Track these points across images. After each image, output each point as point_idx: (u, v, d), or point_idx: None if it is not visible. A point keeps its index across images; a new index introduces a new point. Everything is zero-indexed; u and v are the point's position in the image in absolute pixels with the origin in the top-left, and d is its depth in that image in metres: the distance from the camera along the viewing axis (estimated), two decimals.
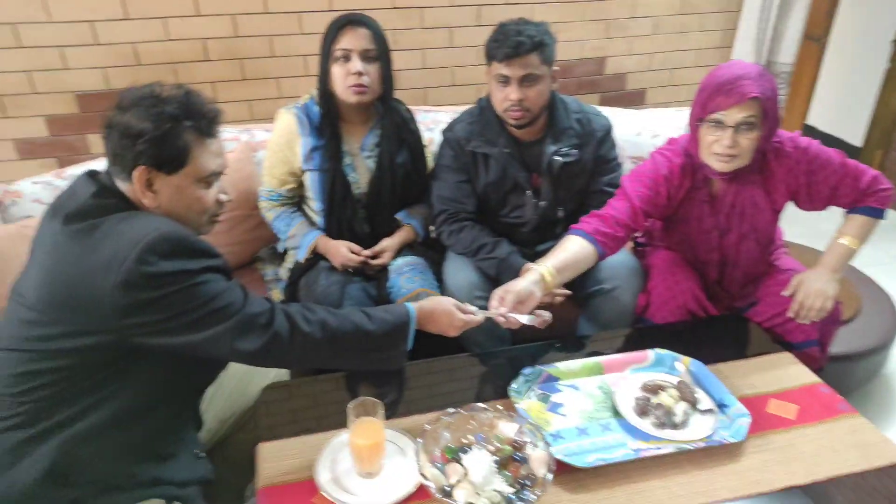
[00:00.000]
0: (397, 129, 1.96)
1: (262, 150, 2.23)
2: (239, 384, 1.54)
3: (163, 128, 1.09)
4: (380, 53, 1.83)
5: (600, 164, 1.96)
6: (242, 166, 2.18)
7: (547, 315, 1.52)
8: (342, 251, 1.90)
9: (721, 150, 1.55)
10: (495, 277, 1.90)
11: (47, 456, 1.08)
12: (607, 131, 1.96)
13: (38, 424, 1.09)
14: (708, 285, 1.86)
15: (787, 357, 1.59)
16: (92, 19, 2.21)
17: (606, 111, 2.51)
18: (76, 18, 2.19)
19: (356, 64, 1.79)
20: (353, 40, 1.79)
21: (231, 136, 2.27)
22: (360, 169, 1.95)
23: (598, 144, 1.94)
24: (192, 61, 2.37)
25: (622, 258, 1.93)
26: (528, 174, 1.93)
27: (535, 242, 2.05)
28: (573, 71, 2.86)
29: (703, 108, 1.55)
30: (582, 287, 1.96)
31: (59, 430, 1.09)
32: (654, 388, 1.42)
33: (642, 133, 2.51)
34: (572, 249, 1.64)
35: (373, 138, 1.96)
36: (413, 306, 1.39)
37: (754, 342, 1.71)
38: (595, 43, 2.83)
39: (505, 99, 1.77)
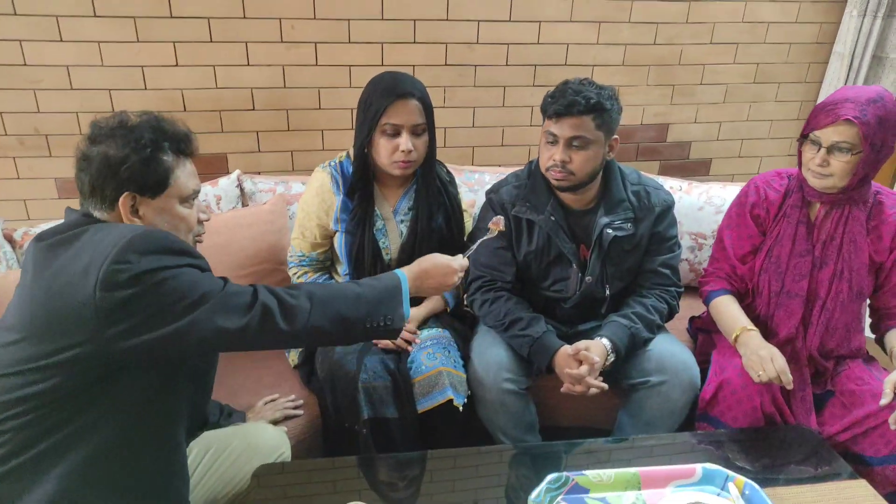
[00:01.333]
0: (435, 192, 1.85)
1: (296, 203, 2.16)
2: (235, 463, 1.41)
3: (143, 153, 1.11)
4: (428, 124, 1.75)
5: (657, 241, 1.80)
6: (275, 219, 2.11)
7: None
8: None
9: (814, 167, 1.60)
10: (527, 358, 1.73)
11: (46, 492, 1.05)
12: (668, 207, 1.79)
13: (27, 452, 1.05)
14: (787, 348, 1.71)
15: (861, 486, 1.35)
16: (143, 65, 2.21)
17: (667, 181, 2.37)
18: (128, 63, 2.20)
19: (406, 142, 1.69)
20: (403, 115, 1.68)
21: (267, 188, 2.22)
22: (392, 234, 1.84)
23: (656, 220, 1.77)
24: (237, 109, 2.34)
25: (675, 348, 1.75)
26: (576, 246, 1.77)
27: (576, 321, 1.88)
28: (633, 136, 2.70)
29: (807, 125, 1.63)
30: (625, 376, 1.76)
31: (50, 461, 1.06)
32: None
33: (705, 208, 2.33)
34: (733, 305, 1.78)
35: (407, 202, 1.86)
36: (403, 270, 1.33)
37: (825, 459, 1.46)
38: (658, 108, 2.67)
39: (549, 158, 1.65)
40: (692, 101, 2.68)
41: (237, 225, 2.02)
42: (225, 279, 1.15)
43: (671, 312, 1.83)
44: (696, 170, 2.83)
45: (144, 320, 1.03)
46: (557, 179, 1.67)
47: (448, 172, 1.97)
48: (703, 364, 1.79)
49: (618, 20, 2.47)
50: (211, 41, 2.22)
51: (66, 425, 1.06)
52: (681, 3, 2.48)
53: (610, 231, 1.72)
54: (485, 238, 1.55)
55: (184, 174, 1.19)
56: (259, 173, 2.40)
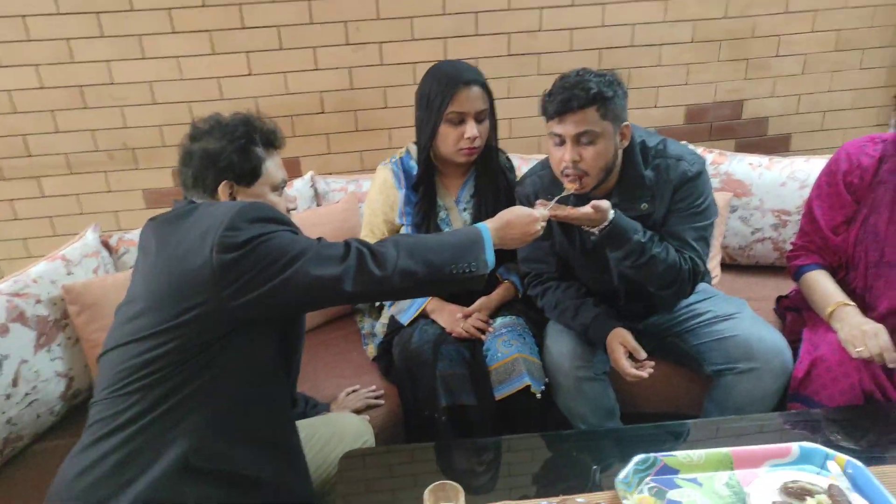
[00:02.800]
0: (496, 178, 1.85)
1: None
2: (322, 450, 1.46)
3: (238, 144, 1.24)
4: (490, 109, 1.76)
5: (675, 212, 1.63)
6: (348, 216, 2.17)
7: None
8: (455, 317, 1.80)
9: None
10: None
11: (181, 446, 1.12)
12: (686, 179, 1.61)
13: (157, 409, 1.13)
14: (889, 321, 1.59)
15: None
16: (219, 76, 2.32)
17: (746, 158, 2.27)
18: (205, 76, 2.31)
19: (472, 129, 1.71)
20: (468, 102, 1.70)
21: (339, 187, 2.28)
22: (456, 223, 1.86)
23: (675, 194, 1.62)
24: (308, 113, 2.42)
25: (763, 332, 1.67)
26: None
27: (644, 314, 1.81)
28: (706, 115, 2.62)
29: None
30: (709, 361, 1.70)
31: (179, 416, 1.13)
32: (799, 492, 1.15)
33: (788, 183, 2.22)
34: (827, 280, 1.70)
35: (468, 190, 1.87)
36: (486, 222, 1.35)
37: None
38: (731, 85, 2.57)
39: (560, 161, 1.53)
40: (768, 74, 2.57)
41: (313, 224, 2.08)
42: (319, 238, 1.23)
43: (678, 272, 1.60)
44: (775, 147, 2.71)
45: (254, 276, 1.12)
46: (576, 187, 1.54)
47: (507, 159, 1.98)
48: (794, 344, 1.70)
49: None
50: (281, 49, 2.31)
51: (189, 383, 1.14)
52: None
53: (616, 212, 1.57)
54: (561, 195, 1.50)
55: (273, 165, 1.31)
56: (330, 174, 2.47)
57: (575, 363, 1.67)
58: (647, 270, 1.57)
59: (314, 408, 1.65)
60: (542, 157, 2.36)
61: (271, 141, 1.31)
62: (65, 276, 1.72)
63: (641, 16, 2.41)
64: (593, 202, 1.48)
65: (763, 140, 2.69)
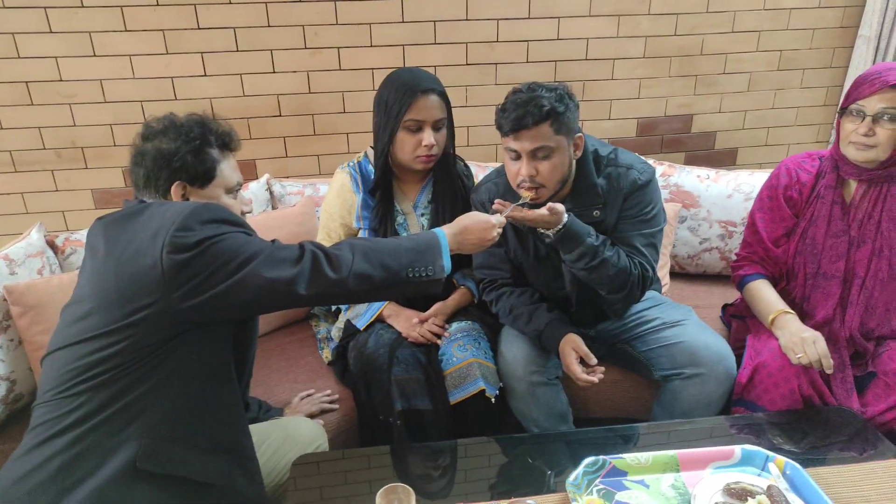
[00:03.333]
0: (453, 185, 1.87)
1: None
2: (275, 454, 1.45)
3: (193, 145, 1.23)
4: (448, 118, 1.78)
5: (624, 219, 1.68)
6: (305, 220, 2.15)
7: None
8: (411, 321, 1.82)
9: (857, 138, 1.59)
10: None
11: (131, 447, 1.10)
12: (636, 187, 1.66)
13: (105, 411, 1.11)
14: (824, 330, 1.67)
15: None
16: (173, 76, 2.28)
17: (694, 170, 2.36)
18: (158, 75, 2.26)
19: (429, 137, 1.72)
20: (425, 111, 1.71)
21: (295, 190, 2.26)
22: (413, 228, 1.87)
23: (624, 202, 1.66)
24: (264, 116, 2.39)
25: (708, 339, 1.72)
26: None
27: (594, 320, 1.85)
28: (657, 128, 2.70)
29: (847, 98, 1.62)
30: (657, 367, 1.75)
31: (128, 418, 1.12)
32: (741, 493, 1.20)
33: (734, 196, 2.31)
34: (769, 289, 1.76)
35: (426, 196, 1.89)
36: (443, 227, 1.37)
37: (870, 441, 1.44)
38: (681, 100, 2.66)
39: (517, 174, 1.56)
40: (716, 90, 2.67)
41: (268, 227, 2.06)
42: (274, 240, 1.22)
43: (628, 276, 1.64)
44: (723, 160, 2.81)
45: (206, 278, 1.10)
46: (534, 198, 1.57)
47: (465, 166, 2.00)
48: (738, 350, 1.77)
49: (637, 12, 2.47)
50: (237, 50, 2.28)
51: (138, 385, 1.12)
52: None
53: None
54: (518, 203, 1.53)
55: (228, 167, 1.29)
56: (287, 177, 2.45)
57: (529, 368, 1.69)
58: (598, 273, 1.60)
59: (267, 412, 1.63)
60: (500, 165, 2.40)
61: (227, 143, 1.30)
62: (7, 276, 1.66)
63: (595, 31, 2.47)
64: (549, 204, 1.51)
65: (711, 153, 2.79)
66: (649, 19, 2.49)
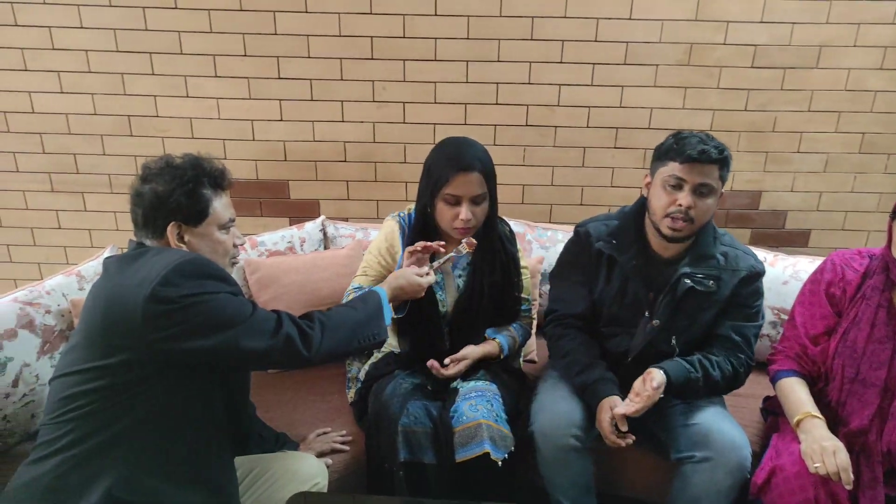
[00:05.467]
0: (494, 250, 1.90)
1: None
2: (273, 486, 1.51)
3: (186, 187, 1.29)
4: (490, 190, 1.79)
5: (735, 306, 1.72)
6: (350, 262, 2.26)
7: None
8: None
9: None
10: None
11: (111, 477, 1.18)
12: (754, 274, 1.72)
13: (89, 440, 1.19)
14: (858, 440, 1.58)
15: None
16: (252, 118, 2.49)
17: (755, 251, 2.26)
18: (240, 117, 2.48)
19: (465, 212, 1.74)
20: (464, 187, 1.73)
21: (348, 233, 2.38)
22: (449, 288, 1.91)
23: (740, 284, 1.71)
24: (331, 160, 2.55)
25: (724, 425, 1.66)
26: (652, 294, 1.74)
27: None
28: (723, 202, 2.59)
29: None
30: (675, 447, 1.70)
31: (110, 449, 1.20)
32: None
33: (790, 282, 2.20)
34: (801, 388, 1.67)
35: (467, 257, 1.91)
36: (382, 287, 1.57)
37: None
38: (750, 175, 2.58)
39: (672, 203, 1.61)
40: (788, 168, 2.57)
41: (315, 266, 2.19)
42: (254, 305, 1.29)
43: (735, 379, 1.73)
44: (794, 240, 2.68)
45: (181, 332, 1.18)
46: (675, 229, 1.62)
47: (511, 231, 2.01)
48: (765, 447, 1.68)
49: (705, 86, 2.44)
50: (312, 99, 2.47)
51: (120, 419, 1.20)
52: (774, 70, 2.41)
53: (687, 281, 1.67)
54: (452, 255, 1.71)
55: (220, 205, 1.36)
56: (347, 219, 2.59)
57: (569, 431, 1.68)
58: (708, 392, 1.71)
59: (283, 445, 1.71)
60: (548, 225, 2.42)
61: (219, 182, 1.36)
62: (76, 290, 1.87)
63: (660, 101, 2.46)
64: (655, 382, 1.60)
65: (781, 233, 2.67)
66: (718, 93, 2.45)
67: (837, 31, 2.37)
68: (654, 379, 1.59)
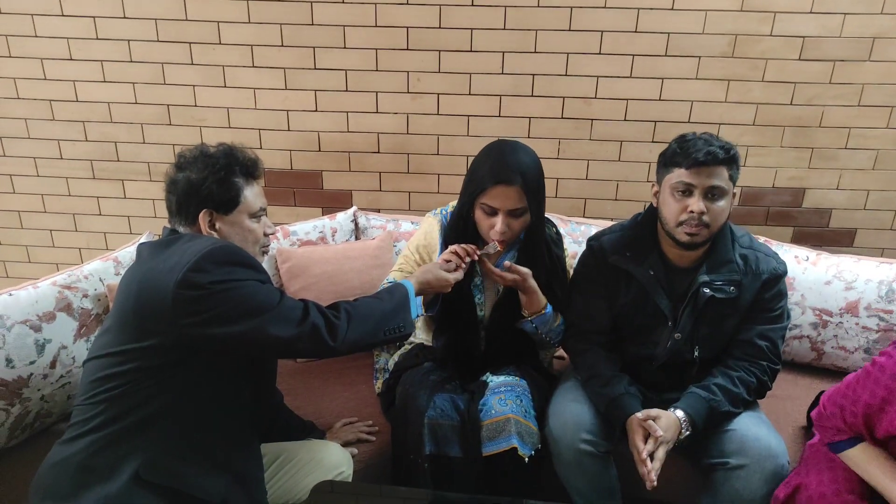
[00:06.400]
0: (539, 253, 1.81)
1: (403, 240, 2.30)
2: (298, 473, 1.54)
3: (219, 175, 1.32)
4: (529, 203, 1.68)
5: (757, 310, 1.68)
6: (381, 253, 2.26)
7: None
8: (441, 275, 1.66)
9: None
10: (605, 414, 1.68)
11: (139, 459, 1.21)
12: (776, 276, 1.66)
13: (120, 422, 1.22)
14: None
15: None
16: (288, 109, 2.50)
17: (793, 250, 2.20)
18: (276, 107, 2.50)
19: (501, 224, 1.67)
20: (501, 200, 1.66)
21: (379, 224, 2.38)
22: (489, 290, 1.86)
23: (762, 288, 1.66)
24: (364, 151, 2.56)
25: (761, 431, 1.60)
26: (672, 304, 1.70)
27: (664, 387, 1.78)
28: (763, 199, 2.54)
29: None
30: (706, 453, 1.65)
31: (139, 430, 1.23)
32: None
33: (833, 283, 2.12)
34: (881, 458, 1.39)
35: (510, 259, 1.81)
36: (409, 280, 1.55)
37: None
38: (793, 172, 2.49)
39: (684, 210, 1.56)
40: (835, 165, 2.47)
41: (345, 257, 2.19)
42: (282, 293, 1.30)
43: (762, 388, 1.68)
44: (839, 240, 2.59)
45: (210, 318, 1.20)
46: (692, 235, 1.57)
47: (557, 233, 1.93)
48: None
49: (749, 79, 2.36)
50: (346, 90, 2.47)
51: (150, 402, 1.23)
52: (823, 63, 2.33)
53: (707, 290, 1.63)
54: (484, 251, 1.69)
55: (252, 194, 1.39)
56: (379, 210, 2.59)
57: (578, 435, 1.65)
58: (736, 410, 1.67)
59: (309, 433, 1.72)
60: (581, 220, 2.38)
61: (251, 171, 1.39)
62: (113, 275, 1.91)
63: (701, 94, 2.40)
64: (652, 431, 1.56)
65: (824, 231, 2.58)
66: (762, 86, 2.37)
67: (892, 21, 2.27)
68: (655, 430, 1.54)
